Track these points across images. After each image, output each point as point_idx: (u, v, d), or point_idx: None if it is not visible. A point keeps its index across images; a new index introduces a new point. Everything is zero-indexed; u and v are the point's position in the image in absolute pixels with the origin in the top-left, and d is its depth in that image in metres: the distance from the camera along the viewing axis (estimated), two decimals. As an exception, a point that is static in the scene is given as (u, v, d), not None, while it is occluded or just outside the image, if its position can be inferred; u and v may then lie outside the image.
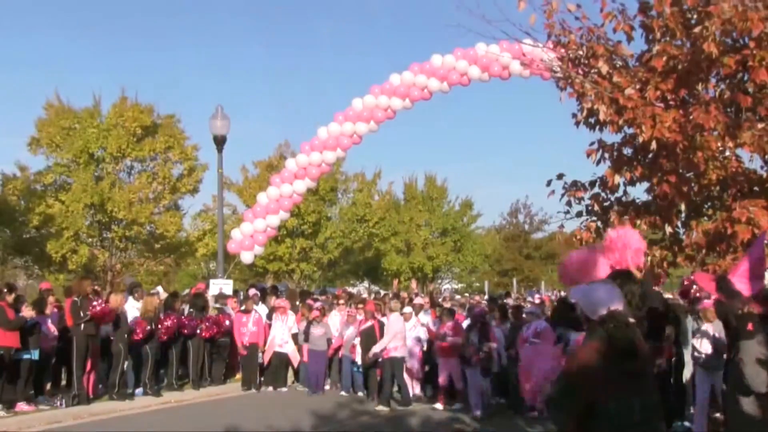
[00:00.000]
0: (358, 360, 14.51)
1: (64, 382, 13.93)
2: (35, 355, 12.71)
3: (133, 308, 14.29)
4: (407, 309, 14.46)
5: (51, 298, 13.82)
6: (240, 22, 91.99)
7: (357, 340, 14.56)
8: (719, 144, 7.01)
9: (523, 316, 13.47)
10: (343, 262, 33.06)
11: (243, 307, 16.12)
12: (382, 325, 14.09)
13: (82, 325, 12.84)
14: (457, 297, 24.06)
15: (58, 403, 12.79)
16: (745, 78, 7.24)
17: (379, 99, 16.44)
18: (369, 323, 14.39)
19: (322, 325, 15.18)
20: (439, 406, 13.26)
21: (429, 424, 12.16)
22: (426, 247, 37.19)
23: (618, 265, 5.28)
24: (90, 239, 24.26)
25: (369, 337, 14.08)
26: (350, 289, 26.59)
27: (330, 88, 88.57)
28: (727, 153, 7.29)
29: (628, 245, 5.31)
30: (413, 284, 19.23)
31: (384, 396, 13.41)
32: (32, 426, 11.60)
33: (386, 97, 16.43)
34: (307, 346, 15.23)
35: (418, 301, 16.00)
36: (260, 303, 16.74)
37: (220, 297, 16.98)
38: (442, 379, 13.40)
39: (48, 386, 13.74)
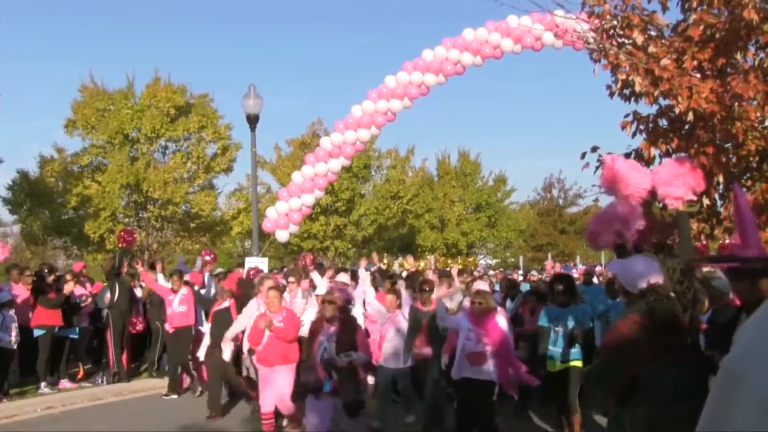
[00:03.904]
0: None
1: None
2: (75, 333, 13.01)
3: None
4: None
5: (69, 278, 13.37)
6: (270, 1, 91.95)
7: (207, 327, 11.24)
8: (758, 114, 6.85)
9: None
10: (378, 239, 33.13)
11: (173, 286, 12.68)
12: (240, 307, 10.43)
13: (117, 304, 13.05)
14: (491, 272, 23.97)
15: (99, 380, 13.05)
16: (786, 45, 7.07)
17: (412, 75, 16.33)
18: (225, 303, 10.92)
19: None
20: None
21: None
22: (460, 223, 37.11)
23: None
24: (126, 219, 24.58)
25: (222, 323, 10.48)
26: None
27: (361, 66, 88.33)
28: (767, 123, 7.14)
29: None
30: (431, 261, 15.82)
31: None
32: (76, 403, 11.88)
33: (419, 73, 16.31)
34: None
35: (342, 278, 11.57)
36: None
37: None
38: (265, 406, 8.72)
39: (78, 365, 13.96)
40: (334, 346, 7.11)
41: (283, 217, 16.90)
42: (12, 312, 11.45)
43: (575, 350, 8.76)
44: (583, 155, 8.52)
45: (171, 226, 26.36)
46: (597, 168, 8.44)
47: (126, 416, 10.94)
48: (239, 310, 10.38)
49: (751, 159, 7.48)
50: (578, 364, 8.70)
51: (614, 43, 7.77)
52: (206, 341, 10.95)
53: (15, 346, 11.62)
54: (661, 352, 4.03)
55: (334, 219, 29.57)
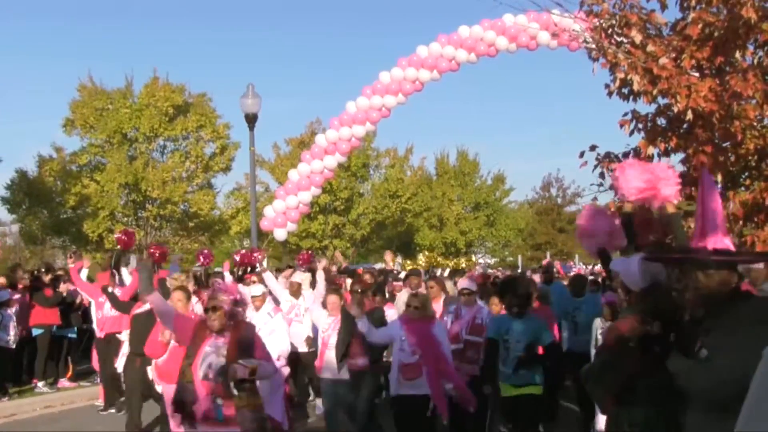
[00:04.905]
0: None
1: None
2: (73, 332, 13.01)
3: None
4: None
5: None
6: (269, 1, 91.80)
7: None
8: (757, 112, 6.86)
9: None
10: (376, 238, 33.13)
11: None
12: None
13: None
14: (490, 272, 23.92)
15: (98, 380, 13.03)
16: (785, 44, 7.08)
17: (406, 71, 16.32)
18: (146, 306, 8.38)
19: None
20: None
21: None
22: (459, 222, 37.15)
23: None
24: (125, 218, 24.57)
25: (143, 328, 8.29)
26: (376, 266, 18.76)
27: (360, 64, 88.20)
28: (766, 122, 7.15)
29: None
30: (388, 257, 14.63)
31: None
32: (74, 402, 11.87)
33: (414, 69, 16.30)
34: None
35: (296, 277, 10.56)
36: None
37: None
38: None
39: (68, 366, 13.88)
40: (223, 360, 5.36)
41: (281, 215, 16.88)
42: (10, 311, 11.44)
43: (533, 372, 7.03)
44: (582, 154, 8.54)
45: (170, 226, 26.36)
46: (595, 167, 8.45)
47: (124, 416, 10.90)
48: None
49: (750, 158, 7.48)
50: (536, 390, 7.01)
51: (612, 41, 7.78)
52: (125, 349, 9.37)
53: (14, 345, 11.62)
54: (659, 352, 4.04)
55: (333, 218, 29.59)
